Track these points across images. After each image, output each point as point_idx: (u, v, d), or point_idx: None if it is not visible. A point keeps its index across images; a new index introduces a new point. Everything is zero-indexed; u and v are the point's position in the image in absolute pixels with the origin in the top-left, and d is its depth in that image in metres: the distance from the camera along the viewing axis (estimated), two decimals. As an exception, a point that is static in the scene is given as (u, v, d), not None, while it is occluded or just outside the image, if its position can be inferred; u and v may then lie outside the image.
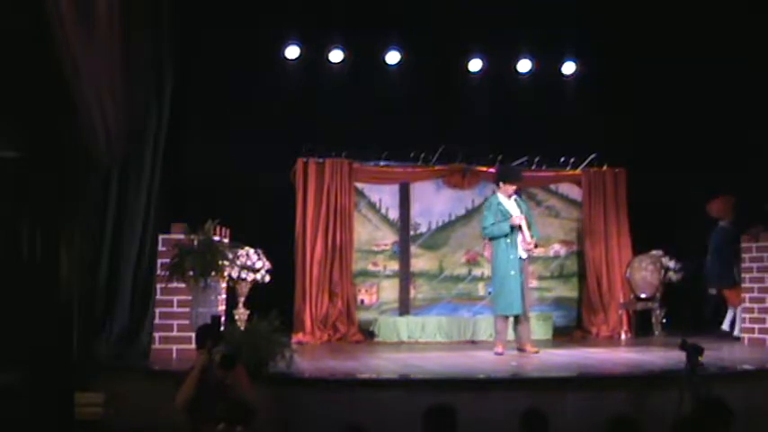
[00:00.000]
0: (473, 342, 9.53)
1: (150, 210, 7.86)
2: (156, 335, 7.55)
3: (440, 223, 10.25)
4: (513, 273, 8.31)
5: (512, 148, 10.27)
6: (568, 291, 10.58)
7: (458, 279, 10.08)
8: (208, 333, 5.42)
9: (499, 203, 8.49)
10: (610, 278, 10.32)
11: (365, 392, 6.48)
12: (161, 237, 7.66)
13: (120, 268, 7.59)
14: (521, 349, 8.38)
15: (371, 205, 10.24)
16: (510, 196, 8.54)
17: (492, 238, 8.52)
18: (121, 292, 7.60)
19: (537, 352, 8.30)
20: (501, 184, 8.58)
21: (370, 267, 10.16)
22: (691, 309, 10.23)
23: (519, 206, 8.53)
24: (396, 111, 10.03)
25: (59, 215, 6.70)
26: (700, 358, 5.70)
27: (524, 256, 8.44)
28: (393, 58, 10.27)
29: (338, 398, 6.31)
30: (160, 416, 5.67)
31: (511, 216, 8.36)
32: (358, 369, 7.44)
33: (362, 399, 6.29)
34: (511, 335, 8.56)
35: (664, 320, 9.90)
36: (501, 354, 8.22)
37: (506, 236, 8.36)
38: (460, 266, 10.20)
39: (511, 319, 8.47)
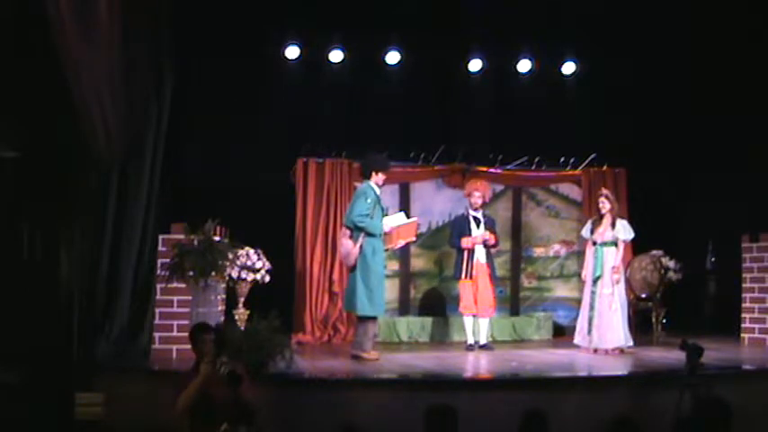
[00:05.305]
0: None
1: (150, 210, 7.86)
2: (156, 335, 7.56)
3: (440, 223, 10.25)
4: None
5: (512, 148, 10.29)
6: (568, 291, 10.57)
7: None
8: (211, 338, 5.36)
9: (378, 196, 8.05)
10: (610, 278, 10.31)
11: (365, 392, 6.48)
12: (161, 237, 7.67)
13: (120, 268, 7.59)
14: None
15: (371, 205, 10.22)
16: (380, 187, 8.19)
17: (361, 230, 7.92)
18: (121, 292, 7.60)
19: (377, 359, 7.86)
20: (373, 174, 8.06)
21: (371, 267, 10.14)
22: (691, 309, 10.22)
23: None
24: (396, 111, 10.03)
25: (59, 215, 6.70)
26: (700, 358, 5.70)
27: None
28: (393, 58, 10.25)
29: (338, 398, 6.30)
30: (160, 416, 5.67)
31: (385, 213, 8.20)
32: (358, 369, 7.44)
33: (362, 399, 6.29)
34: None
35: (664, 320, 9.88)
36: (377, 359, 7.84)
37: (380, 234, 8.04)
38: (460, 266, 10.19)
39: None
